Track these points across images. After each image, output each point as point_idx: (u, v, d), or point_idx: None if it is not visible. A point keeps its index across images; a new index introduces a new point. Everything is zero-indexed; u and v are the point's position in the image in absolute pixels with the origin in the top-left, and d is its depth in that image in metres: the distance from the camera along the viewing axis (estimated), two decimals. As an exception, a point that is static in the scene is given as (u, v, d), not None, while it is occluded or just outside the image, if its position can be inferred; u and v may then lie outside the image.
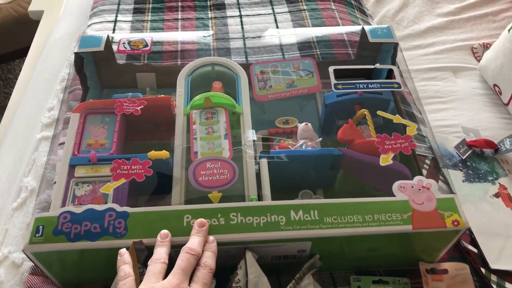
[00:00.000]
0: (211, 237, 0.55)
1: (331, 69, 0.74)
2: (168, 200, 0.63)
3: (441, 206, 0.59)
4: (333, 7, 1.11)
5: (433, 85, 1.03)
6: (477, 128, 0.90)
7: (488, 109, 0.98)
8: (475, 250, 0.71)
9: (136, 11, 1.10)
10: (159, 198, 0.65)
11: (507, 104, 0.97)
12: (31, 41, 1.24)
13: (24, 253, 0.54)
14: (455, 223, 0.58)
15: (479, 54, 1.10)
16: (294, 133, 0.78)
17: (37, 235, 0.54)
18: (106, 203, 0.60)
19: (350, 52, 0.98)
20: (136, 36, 0.81)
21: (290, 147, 0.72)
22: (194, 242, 0.53)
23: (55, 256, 0.56)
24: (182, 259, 0.52)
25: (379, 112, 0.71)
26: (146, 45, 0.79)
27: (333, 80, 0.73)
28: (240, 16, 1.09)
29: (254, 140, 0.68)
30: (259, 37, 1.03)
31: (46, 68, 1.05)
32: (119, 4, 1.11)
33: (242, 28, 1.06)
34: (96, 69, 0.82)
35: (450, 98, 1.00)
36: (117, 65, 0.84)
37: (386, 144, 0.65)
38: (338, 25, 1.05)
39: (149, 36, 0.80)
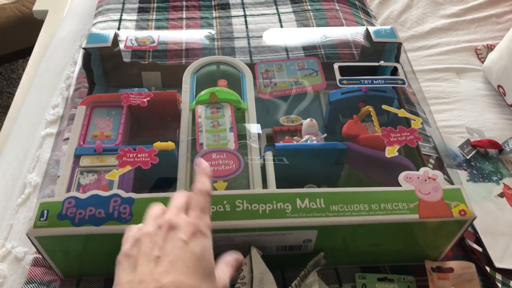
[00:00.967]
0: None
1: (336, 65, 0.74)
2: (175, 190, 0.62)
3: (448, 196, 0.59)
4: (337, 7, 1.11)
5: (436, 86, 1.03)
6: (481, 129, 0.91)
7: (492, 110, 0.98)
8: (480, 249, 0.71)
9: (141, 10, 1.10)
10: (164, 190, 0.65)
11: (511, 105, 0.97)
12: (35, 41, 1.25)
13: (28, 237, 0.54)
14: (462, 212, 0.58)
15: (483, 56, 1.10)
16: (298, 131, 0.78)
17: (41, 219, 0.54)
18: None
19: (355, 52, 0.98)
20: (143, 33, 0.81)
21: (294, 142, 0.72)
22: (202, 181, 0.49)
23: (59, 242, 0.56)
24: (197, 198, 0.48)
25: (384, 107, 0.71)
26: (153, 42, 0.79)
27: (338, 76, 0.73)
28: (245, 15, 1.10)
29: (259, 134, 0.68)
30: (263, 36, 1.03)
31: (50, 66, 1.06)
32: (124, 3, 1.12)
33: (247, 27, 1.06)
34: (103, 67, 0.82)
35: (454, 99, 1.00)
36: (123, 63, 0.84)
37: (391, 137, 0.66)
38: (342, 25, 1.06)
39: (156, 33, 0.81)
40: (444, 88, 1.03)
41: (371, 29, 0.85)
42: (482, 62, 1.08)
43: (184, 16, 1.09)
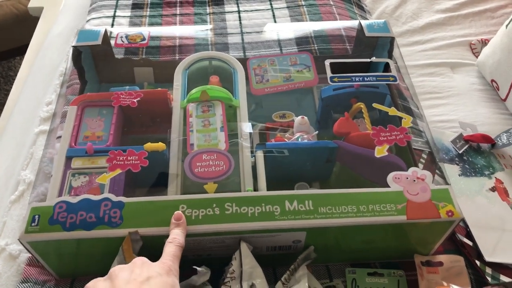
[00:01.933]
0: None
1: (327, 62, 0.74)
2: (165, 192, 0.63)
3: (436, 196, 0.59)
4: (331, 2, 1.11)
5: (431, 80, 1.03)
6: (475, 124, 0.91)
7: (486, 105, 0.98)
8: (470, 243, 0.71)
9: (134, 6, 1.10)
10: (156, 191, 0.66)
11: (505, 100, 0.97)
12: (31, 38, 1.25)
13: (20, 242, 0.55)
14: (449, 213, 0.58)
15: (477, 50, 1.10)
16: (290, 127, 0.78)
17: (32, 224, 0.55)
18: (102, 194, 0.60)
19: (348, 47, 0.98)
20: (134, 30, 0.81)
21: (286, 140, 0.72)
22: (176, 233, 0.54)
23: (51, 246, 0.56)
24: (169, 246, 0.52)
25: (374, 105, 0.71)
26: (144, 39, 0.79)
27: (329, 73, 0.73)
28: (239, 11, 1.10)
29: (250, 133, 0.69)
30: (257, 32, 1.03)
31: (45, 63, 1.06)
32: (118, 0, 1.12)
33: (240, 23, 1.06)
34: (94, 64, 0.83)
35: (448, 93, 1.00)
36: (115, 60, 0.84)
37: (381, 136, 0.66)
38: (336, 20, 1.06)
39: (146, 30, 0.80)
40: (438, 83, 1.03)
41: (364, 23, 0.85)
42: (477, 57, 1.08)
43: (178, 12, 1.09)
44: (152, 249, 0.55)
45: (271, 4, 1.12)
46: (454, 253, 0.69)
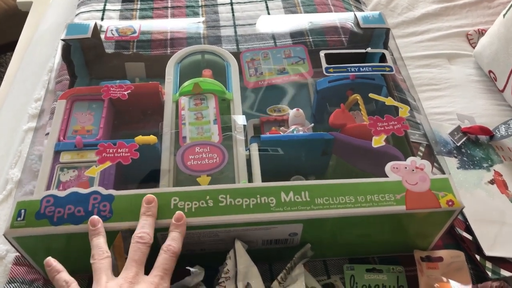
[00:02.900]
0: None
1: (322, 53, 0.72)
2: (157, 186, 0.61)
3: (435, 186, 0.58)
4: (326, -7, 1.09)
5: (427, 72, 1.02)
6: (472, 115, 0.89)
7: (483, 96, 0.97)
8: (470, 237, 0.70)
9: (125, -1, 1.08)
10: (148, 185, 0.64)
11: (502, 91, 0.96)
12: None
13: (6, 238, 0.53)
14: (450, 203, 0.56)
15: (474, 41, 1.09)
16: (285, 121, 0.77)
17: (18, 219, 0.53)
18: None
19: (343, 39, 0.96)
20: (125, 23, 0.79)
21: (281, 133, 0.71)
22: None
23: (39, 241, 0.54)
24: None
25: (371, 95, 0.70)
26: (134, 32, 0.77)
27: (324, 64, 0.72)
28: (231, 3, 1.08)
29: (244, 125, 0.67)
30: (250, 24, 1.01)
31: (34, 59, 1.04)
32: (107, -8, 1.09)
33: (233, 15, 1.04)
34: (84, 58, 0.81)
35: (445, 85, 0.99)
36: (106, 54, 0.82)
37: (378, 126, 0.64)
38: (330, 12, 1.04)
39: (137, 23, 0.79)
40: (435, 74, 1.01)
41: (358, 14, 0.83)
42: (474, 48, 1.06)
43: (169, 5, 1.07)
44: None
45: (264, -5, 1.10)
46: (454, 247, 0.68)
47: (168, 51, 0.94)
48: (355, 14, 0.83)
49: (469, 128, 0.85)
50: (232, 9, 1.06)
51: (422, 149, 0.80)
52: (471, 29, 1.10)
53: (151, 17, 1.03)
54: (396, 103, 0.68)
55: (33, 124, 0.85)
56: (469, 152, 0.83)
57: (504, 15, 0.95)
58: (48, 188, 0.59)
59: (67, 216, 0.53)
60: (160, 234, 0.53)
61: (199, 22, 1.01)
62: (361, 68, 0.72)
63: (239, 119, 0.67)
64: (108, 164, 0.59)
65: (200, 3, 1.08)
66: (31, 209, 0.53)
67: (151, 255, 0.51)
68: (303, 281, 0.56)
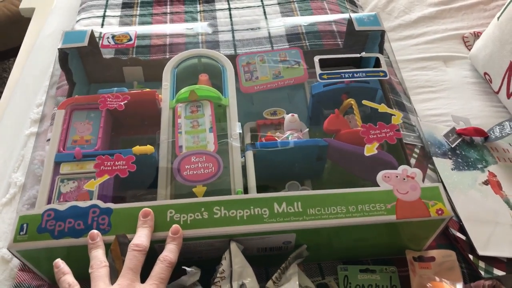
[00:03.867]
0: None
1: (316, 59, 0.74)
2: (155, 195, 0.62)
3: (426, 195, 0.59)
4: (323, -2, 1.11)
5: (423, 74, 1.03)
6: (468, 117, 0.90)
7: (479, 98, 0.98)
8: (463, 237, 0.71)
9: (124, 5, 1.10)
10: (147, 193, 0.65)
11: (497, 92, 0.96)
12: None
13: (9, 251, 0.54)
14: (439, 212, 0.58)
15: (470, 43, 1.09)
16: (282, 124, 0.78)
17: (21, 233, 0.55)
18: (91, 199, 0.60)
19: (339, 42, 0.97)
20: (120, 30, 0.80)
21: (276, 138, 0.72)
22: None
23: (41, 253, 0.56)
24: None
25: (364, 102, 0.71)
26: (130, 39, 0.78)
27: (318, 70, 0.73)
28: (229, 8, 1.09)
29: (240, 133, 0.68)
30: (248, 29, 1.02)
31: (36, 64, 1.05)
32: (107, -1, 1.11)
33: (231, 20, 1.05)
34: (83, 64, 0.82)
35: (441, 87, 1.00)
36: (104, 60, 0.83)
37: (371, 134, 0.65)
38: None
39: (133, 29, 0.80)
40: (431, 76, 1.02)
41: (354, 16, 0.84)
42: (470, 50, 1.07)
43: (168, 10, 1.08)
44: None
45: (262, 1, 1.11)
46: (447, 247, 0.69)
47: (167, 56, 0.95)
48: (350, 16, 0.84)
49: (464, 130, 0.86)
50: (230, 14, 1.08)
51: (417, 151, 0.81)
52: (467, 31, 1.11)
53: (150, 23, 1.05)
54: (389, 110, 0.69)
55: (35, 129, 0.87)
56: (463, 153, 0.84)
57: (498, 18, 0.96)
58: (49, 199, 0.60)
59: (67, 229, 0.55)
60: (158, 245, 0.55)
61: (197, 27, 1.02)
62: (355, 74, 0.73)
63: (235, 127, 0.69)
64: (106, 177, 0.60)
65: (198, 9, 1.09)
66: (33, 223, 0.55)
67: (148, 265, 0.53)
68: (297, 280, 0.57)
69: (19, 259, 0.57)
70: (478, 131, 0.86)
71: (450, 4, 1.17)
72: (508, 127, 0.84)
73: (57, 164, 0.64)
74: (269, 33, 1.00)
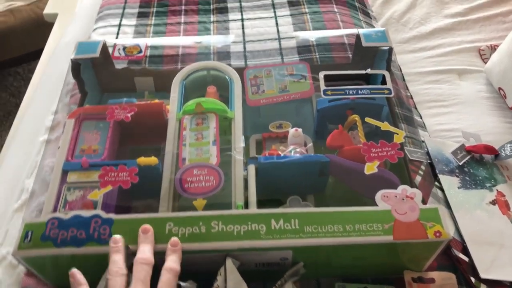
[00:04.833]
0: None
1: (321, 74, 0.74)
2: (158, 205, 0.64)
3: (424, 216, 0.59)
4: (335, 9, 1.10)
5: (436, 88, 1.01)
6: (480, 133, 0.89)
7: (492, 113, 0.96)
8: (466, 259, 0.70)
9: (140, 15, 1.12)
10: (151, 203, 0.67)
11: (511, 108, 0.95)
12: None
13: (14, 257, 0.57)
14: (437, 234, 0.57)
15: (486, 56, 1.08)
16: (287, 137, 0.78)
17: (25, 240, 0.57)
18: (95, 208, 0.62)
19: (350, 55, 0.97)
20: (132, 42, 0.82)
21: (280, 153, 0.72)
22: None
23: (45, 260, 0.58)
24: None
25: (367, 119, 0.70)
26: (140, 51, 0.80)
27: (322, 86, 0.73)
28: (242, 19, 1.10)
29: (243, 147, 0.69)
30: (259, 40, 1.03)
31: (54, 71, 1.08)
32: (124, 8, 1.13)
33: (243, 31, 1.06)
34: (95, 74, 0.84)
35: (453, 101, 0.99)
36: (115, 70, 0.86)
37: (372, 152, 0.65)
38: (339, 28, 1.05)
39: (144, 41, 0.82)
40: (444, 90, 1.01)
41: (361, 32, 0.84)
42: (486, 63, 1.05)
43: (182, 20, 1.10)
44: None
45: (274, 12, 1.12)
46: (449, 268, 0.68)
47: (179, 66, 0.97)
48: (358, 32, 0.84)
49: (474, 147, 0.85)
50: (243, 25, 1.09)
51: (423, 167, 0.80)
52: (484, 44, 1.09)
53: (164, 33, 1.07)
54: (391, 128, 0.69)
55: (50, 136, 0.89)
56: (472, 171, 0.83)
57: (514, 32, 0.94)
58: (55, 207, 0.62)
59: (70, 238, 0.56)
60: (156, 257, 0.56)
61: (209, 38, 1.03)
62: (359, 91, 0.73)
63: (239, 140, 0.70)
64: (109, 188, 0.62)
65: (212, 19, 1.10)
66: (37, 230, 0.57)
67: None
68: (291, 299, 0.58)
69: (23, 265, 0.59)
70: (488, 149, 0.84)
71: (467, 16, 1.15)
72: (519, 145, 0.82)
73: (64, 172, 0.66)
74: (280, 44, 1.01)
